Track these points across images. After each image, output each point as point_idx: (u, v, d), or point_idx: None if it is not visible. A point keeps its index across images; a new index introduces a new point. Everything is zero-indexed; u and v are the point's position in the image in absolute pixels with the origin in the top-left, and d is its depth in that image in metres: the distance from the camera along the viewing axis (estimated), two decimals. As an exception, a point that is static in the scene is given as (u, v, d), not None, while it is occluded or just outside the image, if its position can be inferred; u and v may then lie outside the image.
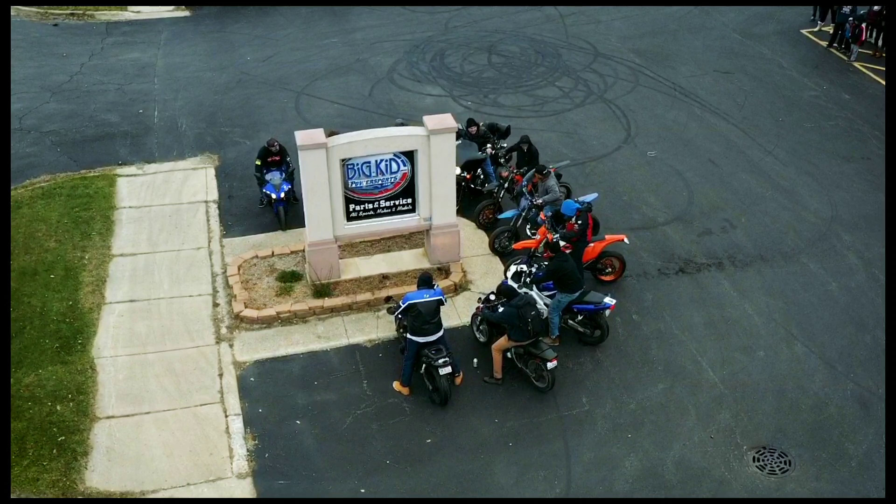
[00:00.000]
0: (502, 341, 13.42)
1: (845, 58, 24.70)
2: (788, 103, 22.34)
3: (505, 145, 18.32)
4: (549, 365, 13.14)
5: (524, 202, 16.45)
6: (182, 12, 28.48)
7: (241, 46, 25.83)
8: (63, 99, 22.51)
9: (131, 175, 19.08)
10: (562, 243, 14.59)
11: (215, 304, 15.25)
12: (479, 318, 14.22)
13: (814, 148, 20.34)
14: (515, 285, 13.91)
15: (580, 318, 14.30)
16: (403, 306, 13.11)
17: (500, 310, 13.34)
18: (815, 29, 26.58)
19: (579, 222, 15.16)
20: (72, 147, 20.28)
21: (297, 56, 25.12)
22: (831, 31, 25.61)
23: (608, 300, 14.02)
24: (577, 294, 13.99)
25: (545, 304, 14.33)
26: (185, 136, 20.76)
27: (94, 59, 24.97)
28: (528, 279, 14.35)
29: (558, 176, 17.26)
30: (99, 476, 12.07)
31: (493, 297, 13.90)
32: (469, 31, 26.71)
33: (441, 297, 13.16)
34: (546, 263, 14.26)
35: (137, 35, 26.62)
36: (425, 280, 13.31)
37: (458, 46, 25.63)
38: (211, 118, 21.61)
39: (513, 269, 14.63)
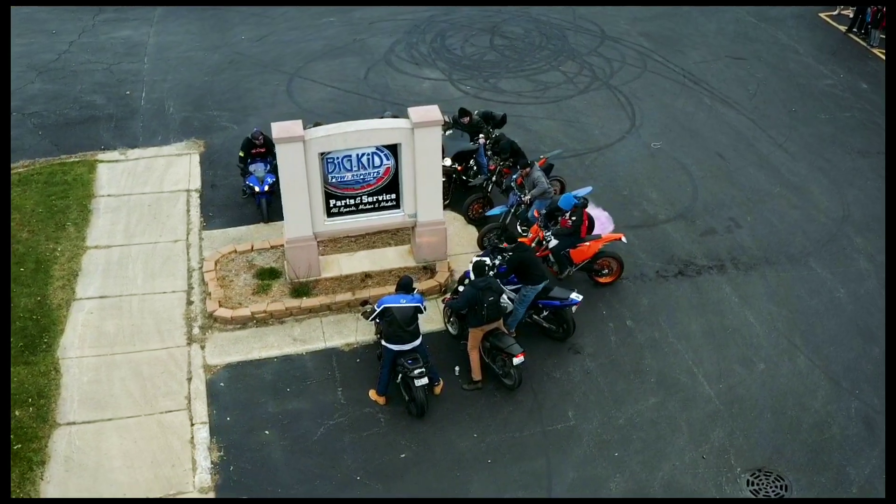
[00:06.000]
0: (471, 337, 12.81)
1: (865, 43, 23.53)
2: (803, 92, 21.26)
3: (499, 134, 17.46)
4: (515, 360, 12.50)
5: (513, 198, 15.63)
6: (178, -13, 27.56)
7: (236, 25, 24.95)
8: (49, 79, 21.79)
9: (113, 161, 18.36)
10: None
11: (189, 302, 14.58)
12: (449, 309, 13.60)
13: (827, 141, 19.31)
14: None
15: (545, 313, 13.62)
16: (378, 310, 12.39)
17: (461, 290, 12.82)
18: (835, 12, 25.37)
19: (573, 218, 14.47)
20: (54, 130, 19.57)
21: (293, 36, 24.24)
22: (851, 15, 24.41)
23: (575, 296, 13.39)
24: (541, 286, 13.32)
25: (510, 298, 13.59)
26: (171, 120, 19.99)
27: (84, 36, 24.19)
28: (490, 272, 13.56)
29: (550, 166, 16.44)
30: (54, 488, 11.48)
31: (460, 289, 13.20)
32: (472, 11, 25.68)
33: (420, 303, 12.41)
34: (508, 256, 13.57)
35: (130, 11, 25.77)
36: (404, 285, 12.56)
37: (461, 27, 24.64)
38: (199, 101, 20.83)
39: (474, 260, 13.80)
